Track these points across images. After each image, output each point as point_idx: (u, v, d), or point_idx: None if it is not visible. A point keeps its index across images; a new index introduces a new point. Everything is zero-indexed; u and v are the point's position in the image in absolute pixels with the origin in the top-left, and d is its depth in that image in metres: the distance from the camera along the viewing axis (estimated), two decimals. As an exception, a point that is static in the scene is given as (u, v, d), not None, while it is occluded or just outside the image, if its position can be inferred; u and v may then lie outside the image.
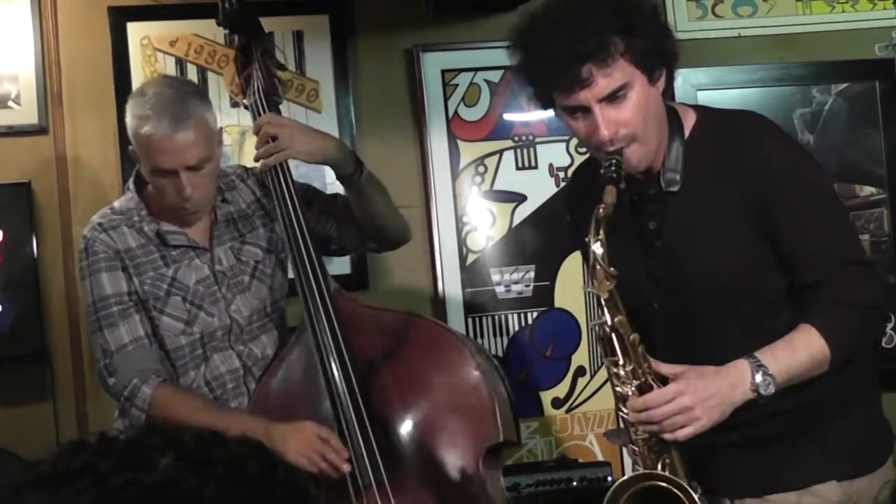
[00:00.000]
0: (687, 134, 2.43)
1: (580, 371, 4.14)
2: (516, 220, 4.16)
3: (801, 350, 2.28)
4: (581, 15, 2.28)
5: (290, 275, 3.16)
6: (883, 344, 4.22)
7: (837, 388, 2.39)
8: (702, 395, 2.23)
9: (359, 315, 2.98)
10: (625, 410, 2.30)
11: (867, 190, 4.28)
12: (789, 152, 2.44)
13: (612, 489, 2.27)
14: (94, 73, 3.92)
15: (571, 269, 4.06)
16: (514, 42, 2.40)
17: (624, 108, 2.30)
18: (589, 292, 2.32)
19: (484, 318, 4.12)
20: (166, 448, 0.92)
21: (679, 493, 2.23)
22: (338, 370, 2.85)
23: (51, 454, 0.96)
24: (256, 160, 3.02)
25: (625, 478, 2.31)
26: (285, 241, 2.98)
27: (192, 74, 3.94)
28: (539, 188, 4.16)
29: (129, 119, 2.88)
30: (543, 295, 4.14)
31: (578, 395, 4.14)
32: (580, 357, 4.14)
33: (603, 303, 2.26)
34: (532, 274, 4.14)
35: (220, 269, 3.00)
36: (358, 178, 3.05)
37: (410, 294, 4.03)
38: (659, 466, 2.30)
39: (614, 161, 2.28)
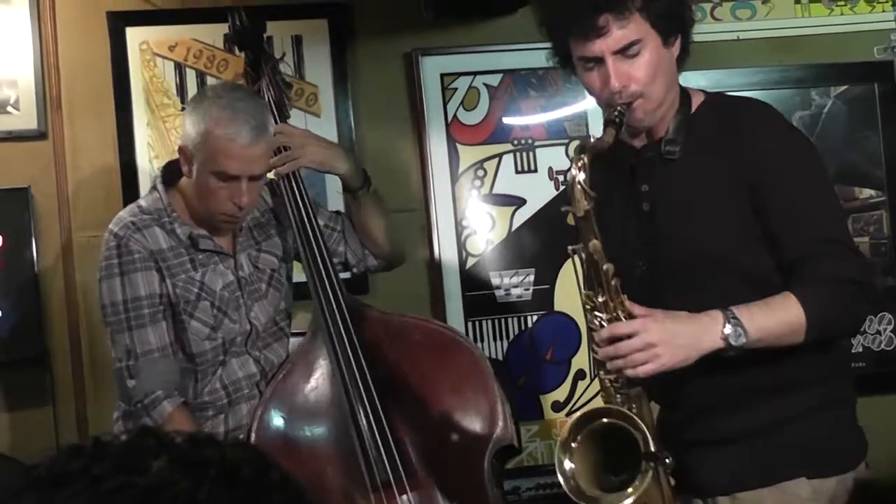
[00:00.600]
0: (693, 110, 2.52)
1: (580, 374, 4.14)
2: (516, 224, 4.15)
3: (777, 312, 2.32)
4: None
5: (295, 280, 3.21)
6: (883, 346, 4.23)
7: (811, 385, 2.44)
8: (668, 333, 2.27)
9: (371, 318, 3.06)
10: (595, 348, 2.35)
11: (866, 192, 4.28)
12: (785, 134, 2.51)
13: (573, 420, 2.32)
14: (94, 78, 3.92)
15: (571, 273, 4.02)
16: None
17: (637, 64, 2.39)
18: (565, 211, 2.33)
19: (484, 322, 4.12)
20: (160, 450, 0.93)
21: (635, 433, 2.25)
22: (354, 374, 2.92)
23: (47, 458, 0.96)
24: (269, 169, 3.05)
25: (586, 410, 2.37)
26: (299, 247, 3.04)
27: (192, 79, 3.95)
28: (538, 192, 4.16)
29: (196, 117, 2.89)
30: (543, 298, 4.14)
31: (579, 399, 4.13)
32: (580, 360, 4.14)
33: (578, 223, 2.30)
34: (532, 277, 4.14)
35: (242, 276, 3.04)
36: (365, 192, 3.12)
37: (410, 298, 4.02)
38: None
39: (620, 108, 2.36)
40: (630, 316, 2.31)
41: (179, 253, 2.96)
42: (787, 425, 2.43)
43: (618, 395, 2.34)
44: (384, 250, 3.25)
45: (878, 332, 4.21)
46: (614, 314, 2.31)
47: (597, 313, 2.33)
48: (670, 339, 2.26)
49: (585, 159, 2.27)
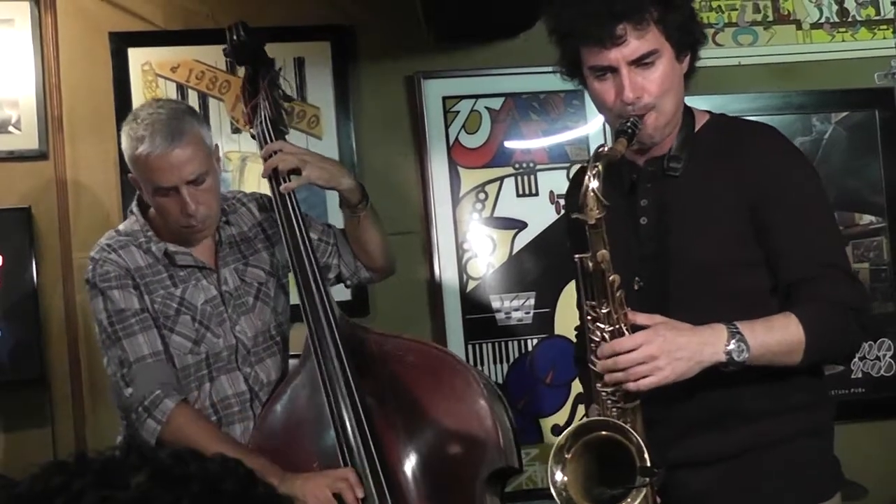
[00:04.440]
0: (697, 129, 2.52)
1: (580, 398, 4.12)
2: (517, 247, 4.15)
3: (778, 330, 2.30)
4: None
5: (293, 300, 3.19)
6: (882, 372, 4.22)
7: (795, 411, 2.43)
8: (670, 346, 2.24)
9: (363, 341, 3.02)
10: (594, 360, 2.32)
11: (867, 218, 4.28)
12: (789, 157, 2.49)
13: (569, 431, 2.28)
14: (95, 99, 3.94)
15: (572, 296, 4.04)
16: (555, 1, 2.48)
17: (650, 75, 2.38)
18: (575, 218, 2.31)
19: (484, 345, 4.11)
20: (142, 466, 0.92)
21: (630, 446, 2.22)
22: (343, 397, 2.88)
23: (31, 474, 0.96)
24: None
25: (583, 421, 2.32)
26: (290, 265, 3.02)
27: (194, 100, 3.95)
28: (539, 215, 4.16)
29: (124, 144, 2.93)
30: (543, 322, 4.14)
31: (578, 423, 4.12)
32: (580, 384, 4.13)
33: (588, 232, 2.27)
34: (532, 301, 4.14)
35: (226, 290, 3.03)
36: (363, 208, 3.10)
37: (410, 320, 4.02)
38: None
39: (633, 119, 2.35)
40: (633, 327, 2.29)
41: (158, 270, 2.97)
42: (769, 450, 2.41)
43: (614, 409, 2.31)
44: (378, 263, 3.24)
45: (878, 358, 4.20)
46: (617, 326, 2.28)
47: (599, 324, 2.30)
48: (671, 350, 2.23)
49: (600, 167, 2.25)
